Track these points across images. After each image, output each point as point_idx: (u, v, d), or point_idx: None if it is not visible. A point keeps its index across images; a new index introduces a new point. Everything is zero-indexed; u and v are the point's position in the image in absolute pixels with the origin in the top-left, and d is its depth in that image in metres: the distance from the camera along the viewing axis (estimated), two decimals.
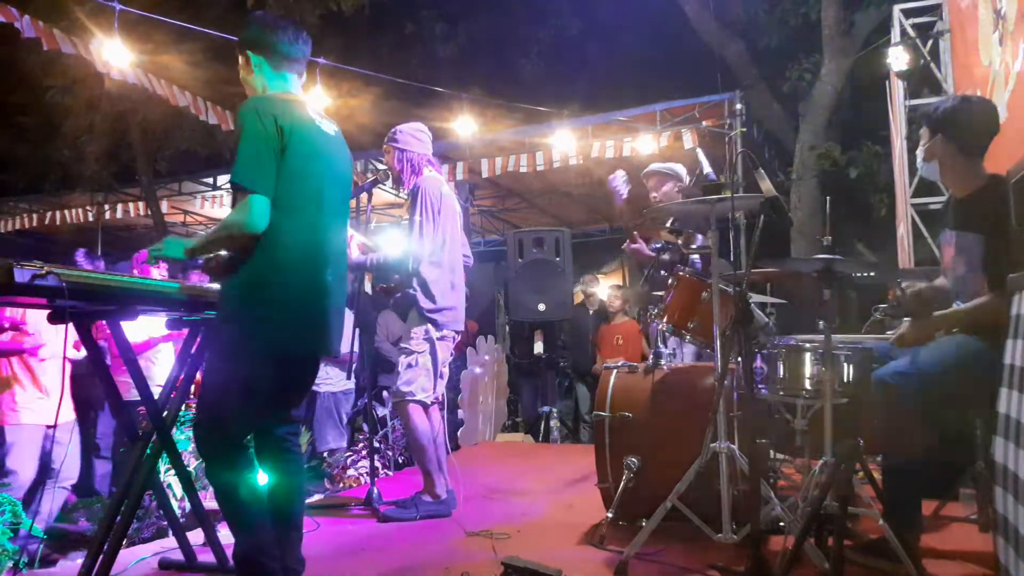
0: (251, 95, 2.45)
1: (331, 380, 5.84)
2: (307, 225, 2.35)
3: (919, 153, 2.84)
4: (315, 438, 5.78)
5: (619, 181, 4.29)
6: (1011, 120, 3.93)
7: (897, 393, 2.50)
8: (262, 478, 2.39)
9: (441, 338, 3.65)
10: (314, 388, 5.49)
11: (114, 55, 5.94)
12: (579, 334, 7.90)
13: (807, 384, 2.72)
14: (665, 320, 3.20)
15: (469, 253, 3.96)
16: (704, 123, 7.15)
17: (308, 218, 2.35)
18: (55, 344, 4.19)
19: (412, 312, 3.67)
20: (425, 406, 3.62)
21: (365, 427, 5.60)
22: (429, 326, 3.61)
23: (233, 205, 2.29)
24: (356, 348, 4.41)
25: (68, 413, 4.32)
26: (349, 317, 3.28)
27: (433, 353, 3.63)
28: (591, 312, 8.01)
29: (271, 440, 2.47)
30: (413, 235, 3.59)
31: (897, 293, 2.70)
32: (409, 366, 3.60)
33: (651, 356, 3.39)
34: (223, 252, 2.37)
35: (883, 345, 2.85)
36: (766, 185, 2.68)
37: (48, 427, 4.26)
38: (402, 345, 3.69)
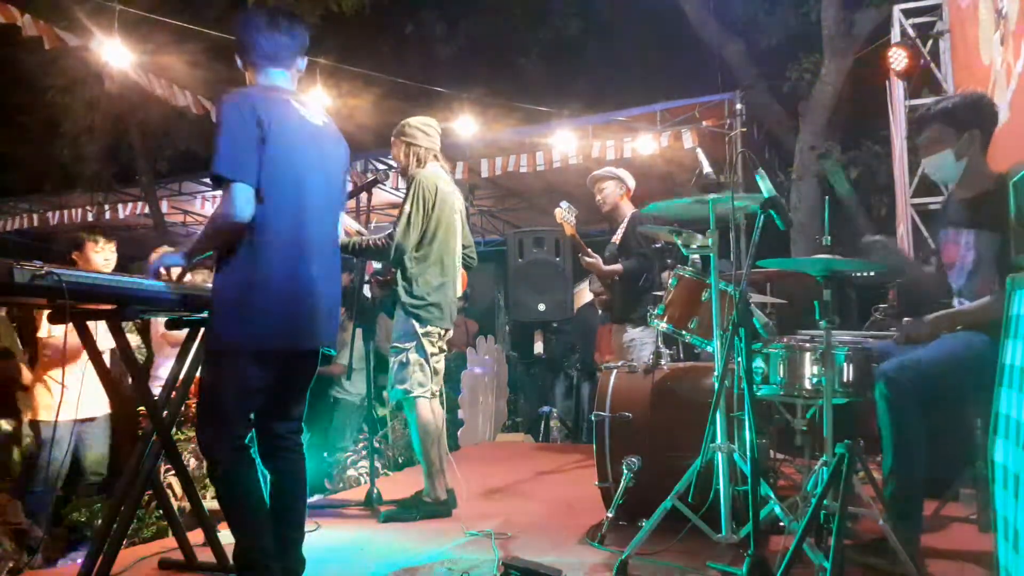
0: None
1: None
2: (288, 217, 2.31)
3: (932, 154, 2.75)
4: None
5: (564, 212, 4.37)
6: (1012, 120, 3.92)
7: (900, 386, 2.50)
8: (264, 478, 2.39)
9: (426, 334, 3.58)
10: None
11: (114, 55, 5.94)
12: (590, 333, 7.88)
13: (807, 384, 2.72)
14: (665, 320, 3.20)
15: (474, 255, 3.93)
16: (704, 123, 7.15)
17: (289, 210, 2.31)
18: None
19: (398, 308, 3.63)
20: (427, 400, 3.58)
21: (365, 427, 5.59)
22: (413, 322, 3.55)
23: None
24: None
25: (105, 407, 4.37)
26: None
27: (420, 348, 3.56)
28: (601, 312, 7.98)
29: (272, 439, 2.47)
30: (399, 225, 3.53)
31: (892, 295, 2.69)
32: (401, 364, 3.56)
33: (651, 356, 3.39)
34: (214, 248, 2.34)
35: (885, 344, 2.84)
36: (766, 185, 2.68)
37: (76, 422, 4.26)
38: (392, 344, 3.64)
